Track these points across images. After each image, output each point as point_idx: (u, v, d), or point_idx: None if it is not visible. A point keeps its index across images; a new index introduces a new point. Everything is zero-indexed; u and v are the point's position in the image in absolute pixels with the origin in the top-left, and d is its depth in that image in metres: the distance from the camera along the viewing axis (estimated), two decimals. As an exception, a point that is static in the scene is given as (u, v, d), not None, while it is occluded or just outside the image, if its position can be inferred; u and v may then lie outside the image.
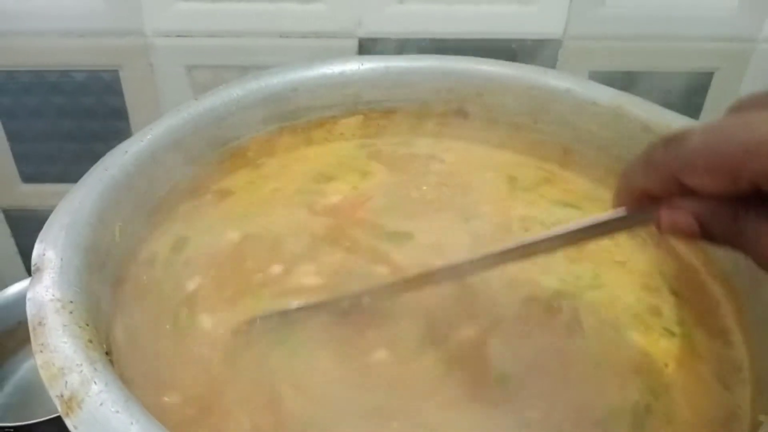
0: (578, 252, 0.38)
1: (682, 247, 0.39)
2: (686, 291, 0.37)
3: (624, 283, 0.37)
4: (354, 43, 0.53)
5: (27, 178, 0.60)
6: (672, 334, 0.34)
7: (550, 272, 0.37)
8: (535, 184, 0.44)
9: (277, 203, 0.42)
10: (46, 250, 0.30)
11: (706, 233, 0.23)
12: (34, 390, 0.58)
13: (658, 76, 0.56)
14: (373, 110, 0.47)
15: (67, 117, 0.57)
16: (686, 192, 0.22)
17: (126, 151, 0.38)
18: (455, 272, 0.31)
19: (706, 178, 0.21)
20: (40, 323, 0.27)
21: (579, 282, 0.37)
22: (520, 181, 0.44)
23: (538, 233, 0.28)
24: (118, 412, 0.24)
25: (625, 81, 0.55)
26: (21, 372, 0.59)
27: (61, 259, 0.30)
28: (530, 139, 0.46)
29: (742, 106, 0.23)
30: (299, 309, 0.34)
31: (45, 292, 0.28)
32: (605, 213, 0.26)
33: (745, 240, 0.22)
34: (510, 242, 0.28)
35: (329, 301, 0.34)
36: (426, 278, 0.32)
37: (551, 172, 0.45)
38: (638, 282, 0.37)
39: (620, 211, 0.25)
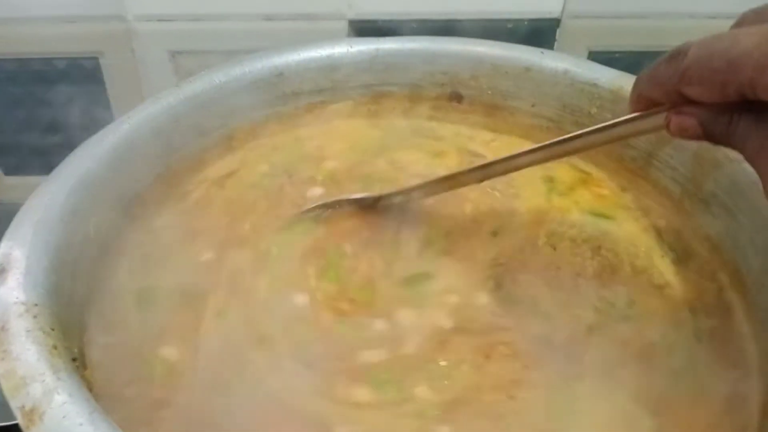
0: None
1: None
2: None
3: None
4: (344, 25, 0.51)
5: (9, 170, 0.58)
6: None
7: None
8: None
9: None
10: (12, 248, 0.29)
11: (707, 135, 0.26)
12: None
13: (660, 56, 0.53)
14: (364, 95, 0.45)
15: (50, 106, 0.55)
16: (688, 100, 0.25)
17: (102, 141, 0.36)
18: (457, 181, 0.35)
19: (699, 89, 0.24)
20: (2, 328, 0.25)
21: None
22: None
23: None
24: (81, 424, 0.22)
25: (627, 61, 0.53)
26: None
27: (28, 259, 0.28)
28: (527, 124, 0.44)
29: (742, 21, 0.25)
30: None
31: (8, 295, 0.26)
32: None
33: (736, 141, 0.25)
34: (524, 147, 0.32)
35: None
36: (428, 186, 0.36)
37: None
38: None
39: (633, 116, 0.29)
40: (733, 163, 0.35)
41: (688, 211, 0.38)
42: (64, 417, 0.22)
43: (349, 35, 0.52)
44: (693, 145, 0.37)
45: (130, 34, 0.51)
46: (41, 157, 0.57)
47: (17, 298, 0.26)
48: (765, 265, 0.33)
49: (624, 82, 0.40)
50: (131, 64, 0.53)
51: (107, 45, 0.52)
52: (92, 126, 0.38)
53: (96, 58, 0.52)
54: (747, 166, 0.34)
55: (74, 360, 0.26)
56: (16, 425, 0.48)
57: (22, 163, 0.58)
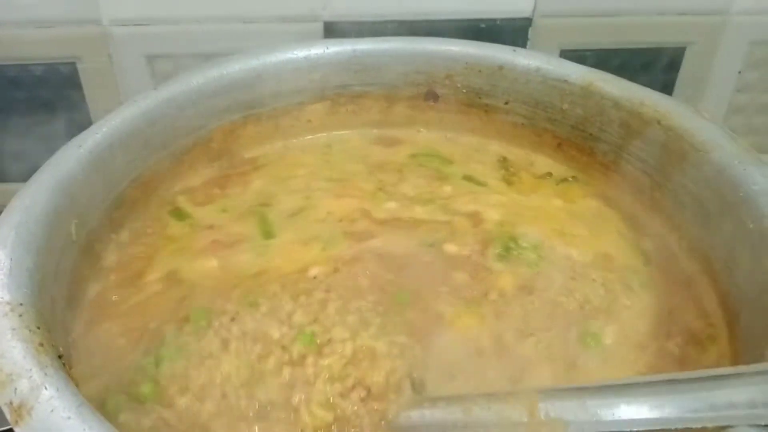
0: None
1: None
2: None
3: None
4: (319, 27, 0.52)
5: (-13, 176, 0.58)
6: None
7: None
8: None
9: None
10: (-6, 250, 0.29)
11: None
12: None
13: (631, 53, 0.55)
14: (341, 95, 0.46)
15: (26, 112, 0.55)
16: None
17: (80, 145, 0.36)
18: None
19: None
20: (-13, 328, 0.26)
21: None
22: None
23: None
24: (70, 418, 0.23)
25: (598, 58, 0.54)
26: None
27: (11, 260, 0.28)
28: (501, 121, 0.45)
29: None
30: None
31: (-8, 296, 0.27)
32: None
33: None
34: None
35: None
36: None
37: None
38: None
39: None
40: (699, 153, 0.36)
41: (658, 202, 0.39)
42: (52, 411, 0.23)
43: (324, 37, 0.52)
44: (661, 136, 0.38)
45: (107, 39, 0.51)
46: (19, 163, 0.57)
47: (2, 297, 0.27)
48: (732, 252, 0.34)
49: (593, 77, 0.41)
50: (108, 68, 0.53)
51: (84, 50, 0.52)
52: (70, 131, 0.38)
53: (73, 63, 0.52)
54: (713, 156, 0.35)
55: (60, 357, 0.26)
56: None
57: (1, 170, 0.58)
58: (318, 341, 0.31)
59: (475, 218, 0.39)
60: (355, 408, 0.29)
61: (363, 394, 0.30)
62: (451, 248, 0.37)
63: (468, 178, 0.43)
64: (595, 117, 0.41)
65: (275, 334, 0.31)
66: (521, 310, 0.34)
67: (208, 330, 0.32)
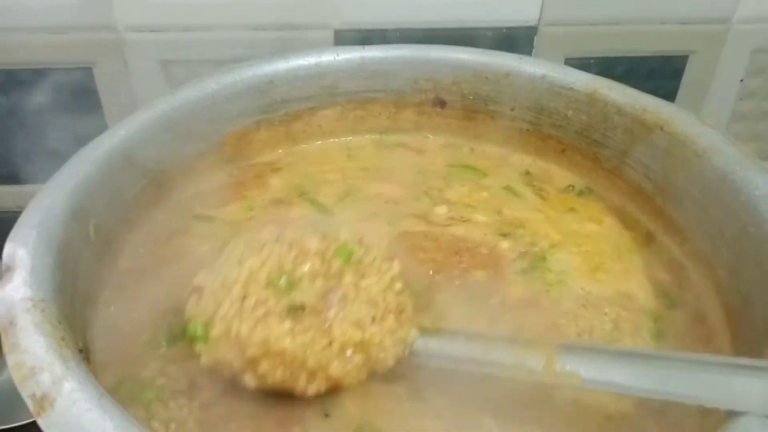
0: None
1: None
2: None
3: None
4: (330, 34, 0.53)
5: (2, 179, 0.59)
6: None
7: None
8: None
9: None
10: (16, 249, 0.30)
11: None
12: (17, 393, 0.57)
13: (635, 61, 0.56)
14: (351, 101, 0.47)
15: (42, 116, 0.56)
16: None
17: (98, 148, 0.37)
18: None
19: None
20: (10, 323, 0.27)
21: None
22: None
23: None
24: (91, 410, 0.23)
25: (602, 66, 0.55)
26: (6, 374, 0.58)
27: (33, 258, 0.29)
28: (507, 127, 0.46)
29: None
30: None
31: (15, 292, 0.28)
32: None
33: None
34: None
35: None
36: None
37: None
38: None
39: None
40: (701, 159, 0.37)
41: (660, 207, 0.40)
42: (74, 403, 0.24)
43: (334, 44, 0.53)
44: (663, 142, 0.39)
45: (122, 45, 0.53)
46: (35, 166, 0.58)
47: (24, 294, 0.28)
48: (735, 255, 0.34)
49: (598, 85, 0.42)
50: (123, 73, 0.54)
51: (99, 55, 0.53)
52: (86, 135, 0.39)
53: (89, 68, 0.53)
54: (715, 161, 0.36)
55: (81, 351, 0.27)
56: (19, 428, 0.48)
57: (17, 172, 0.59)
58: (357, 260, 0.31)
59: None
60: (385, 334, 0.30)
61: (393, 323, 0.30)
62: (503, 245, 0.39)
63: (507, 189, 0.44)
64: (599, 123, 0.42)
65: (313, 245, 0.31)
66: (514, 321, 0.34)
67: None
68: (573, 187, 0.44)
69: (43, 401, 0.24)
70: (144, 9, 0.51)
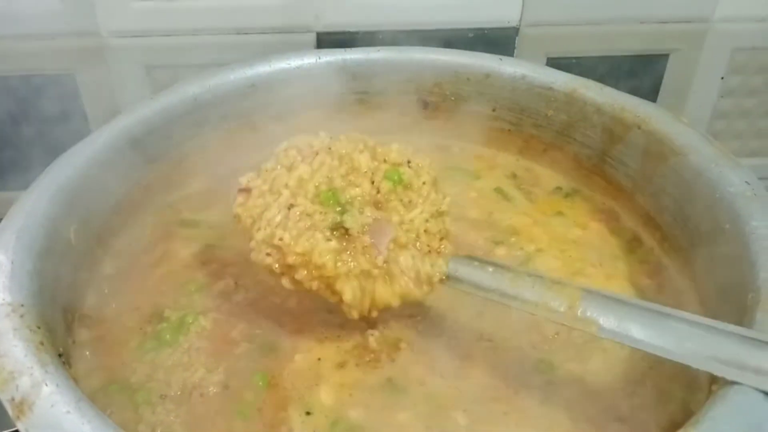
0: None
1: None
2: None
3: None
4: (312, 38, 0.53)
5: (-12, 185, 0.59)
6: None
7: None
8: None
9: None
10: (-4, 254, 0.30)
11: None
12: None
13: (616, 60, 0.56)
14: (333, 103, 0.47)
15: (26, 123, 0.56)
16: None
17: (80, 152, 0.37)
18: None
19: None
20: (-10, 328, 0.27)
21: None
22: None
23: None
24: (69, 412, 0.24)
25: (584, 66, 0.55)
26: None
27: (12, 263, 0.29)
28: (489, 127, 0.46)
29: None
30: None
31: (-5, 297, 0.28)
32: None
33: None
34: None
35: None
36: None
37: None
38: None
39: None
40: (678, 157, 0.37)
41: (641, 205, 0.40)
42: (52, 406, 0.24)
43: (316, 47, 0.54)
44: (641, 140, 0.39)
45: (105, 50, 0.53)
46: (19, 172, 0.58)
47: (3, 299, 0.28)
48: (711, 250, 0.35)
49: (577, 84, 0.43)
50: (107, 79, 0.54)
51: (83, 61, 0.53)
52: (70, 140, 0.39)
53: (72, 74, 0.54)
54: (691, 159, 0.36)
55: (60, 356, 0.27)
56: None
57: (1, 179, 0.59)
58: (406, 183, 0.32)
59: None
60: (424, 263, 0.31)
61: (433, 253, 0.31)
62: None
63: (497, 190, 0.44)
64: (579, 123, 0.43)
65: (363, 162, 0.32)
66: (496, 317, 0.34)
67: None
68: (560, 188, 0.44)
69: (22, 405, 0.24)
70: (127, 14, 0.51)
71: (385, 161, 0.33)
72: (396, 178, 0.32)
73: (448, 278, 0.32)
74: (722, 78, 0.58)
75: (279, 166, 0.33)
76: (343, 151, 0.33)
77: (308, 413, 0.30)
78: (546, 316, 0.30)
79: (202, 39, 0.53)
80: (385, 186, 0.32)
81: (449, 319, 0.35)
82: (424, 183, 0.33)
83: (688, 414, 0.29)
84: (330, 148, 0.33)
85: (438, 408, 0.31)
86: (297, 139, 0.34)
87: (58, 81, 0.54)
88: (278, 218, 0.31)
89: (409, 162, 0.34)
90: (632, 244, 0.40)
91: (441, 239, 0.32)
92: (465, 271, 0.32)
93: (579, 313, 0.29)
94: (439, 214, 0.33)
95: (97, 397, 0.30)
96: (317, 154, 0.33)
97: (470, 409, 0.30)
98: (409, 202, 0.32)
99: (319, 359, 0.32)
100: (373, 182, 0.32)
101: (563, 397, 0.31)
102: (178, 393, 0.31)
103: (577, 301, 0.29)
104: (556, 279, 0.30)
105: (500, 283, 0.31)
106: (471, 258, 0.32)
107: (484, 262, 0.32)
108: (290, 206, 0.31)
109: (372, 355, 0.33)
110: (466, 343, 0.34)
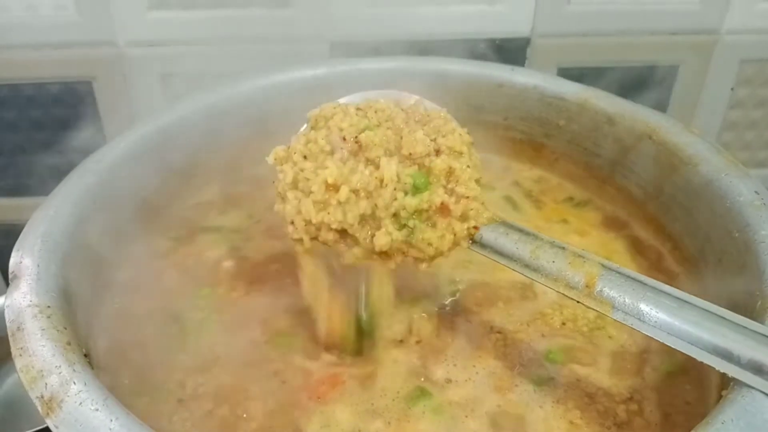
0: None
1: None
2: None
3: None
4: (326, 47, 0.54)
5: (4, 192, 0.60)
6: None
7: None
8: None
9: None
10: (23, 257, 0.31)
11: None
12: (18, 404, 0.57)
13: (626, 71, 0.57)
14: (346, 112, 0.48)
15: (43, 130, 0.57)
16: None
17: (100, 160, 0.38)
18: None
19: None
20: (18, 328, 0.27)
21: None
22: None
23: None
24: (97, 410, 0.24)
25: (594, 76, 0.56)
26: (5, 387, 0.59)
27: (38, 266, 0.30)
28: (501, 136, 0.47)
29: None
30: None
31: (22, 299, 0.29)
32: None
33: None
34: None
35: None
36: None
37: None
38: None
39: None
40: (688, 166, 0.38)
41: (652, 214, 0.41)
42: (80, 404, 0.25)
43: (330, 56, 0.54)
44: (652, 150, 0.40)
45: (122, 59, 0.54)
46: (37, 178, 0.58)
47: (31, 301, 0.28)
48: (721, 259, 0.35)
49: (588, 95, 0.43)
50: (123, 87, 0.55)
51: (100, 70, 0.54)
52: (86, 147, 0.40)
53: (89, 83, 0.54)
54: (701, 169, 0.37)
55: (86, 356, 0.28)
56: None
57: (19, 185, 0.59)
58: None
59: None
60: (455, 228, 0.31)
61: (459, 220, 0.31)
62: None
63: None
64: (590, 132, 0.43)
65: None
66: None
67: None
68: (572, 198, 0.44)
69: (51, 402, 0.25)
70: (144, 24, 0.52)
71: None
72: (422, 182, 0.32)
73: (473, 243, 0.32)
74: (732, 89, 0.58)
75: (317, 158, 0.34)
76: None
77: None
78: (563, 291, 0.30)
79: (216, 48, 0.54)
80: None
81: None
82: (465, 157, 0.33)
83: (692, 417, 0.30)
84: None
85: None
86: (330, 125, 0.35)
87: (75, 90, 0.55)
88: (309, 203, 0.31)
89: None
90: (633, 253, 0.41)
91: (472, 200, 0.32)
92: (490, 237, 0.32)
93: (596, 292, 0.29)
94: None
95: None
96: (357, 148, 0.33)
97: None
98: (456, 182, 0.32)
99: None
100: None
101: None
102: (195, 395, 0.31)
103: (595, 279, 0.29)
104: (579, 252, 0.30)
105: (522, 253, 0.31)
106: (500, 223, 0.32)
107: (511, 228, 0.32)
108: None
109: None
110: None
